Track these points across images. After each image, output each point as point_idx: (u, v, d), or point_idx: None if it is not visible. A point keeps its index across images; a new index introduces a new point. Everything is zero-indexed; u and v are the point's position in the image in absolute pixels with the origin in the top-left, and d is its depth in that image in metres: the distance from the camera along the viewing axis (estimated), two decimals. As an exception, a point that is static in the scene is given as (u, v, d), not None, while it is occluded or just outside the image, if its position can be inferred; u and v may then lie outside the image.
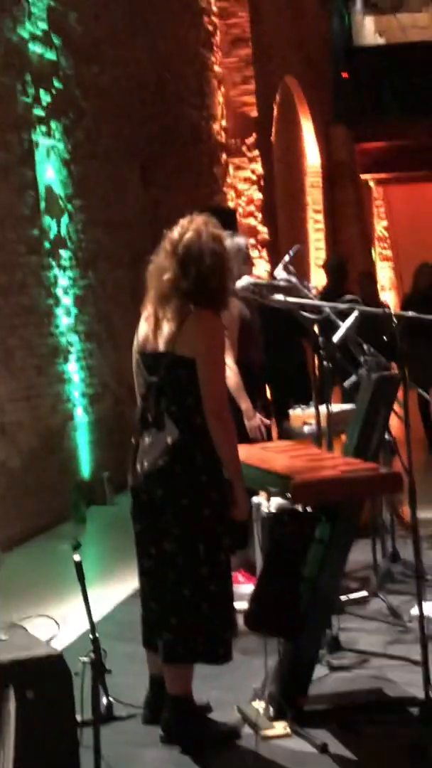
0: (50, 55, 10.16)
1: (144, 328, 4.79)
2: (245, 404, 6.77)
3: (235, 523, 4.80)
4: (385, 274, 25.29)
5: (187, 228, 4.75)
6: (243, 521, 5.79)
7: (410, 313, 4.57)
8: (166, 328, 4.66)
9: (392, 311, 4.77)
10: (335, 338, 5.10)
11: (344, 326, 5.11)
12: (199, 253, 4.66)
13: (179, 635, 4.66)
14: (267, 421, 6.84)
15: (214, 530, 4.65)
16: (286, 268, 6.36)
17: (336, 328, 5.78)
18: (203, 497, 4.62)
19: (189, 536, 4.63)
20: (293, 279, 6.23)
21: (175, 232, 4.76)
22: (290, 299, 5.64)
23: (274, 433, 7.50)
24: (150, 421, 4.72)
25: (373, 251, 23.76)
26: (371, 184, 25.00)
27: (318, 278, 18.38)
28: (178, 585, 4.65)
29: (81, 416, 10.34)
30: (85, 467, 10.34)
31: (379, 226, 25.80)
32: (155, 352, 4.70)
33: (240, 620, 4.81)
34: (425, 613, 4.74)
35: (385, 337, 5.35)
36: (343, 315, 5.64)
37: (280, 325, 7.45)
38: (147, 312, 4.80)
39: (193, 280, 4.65)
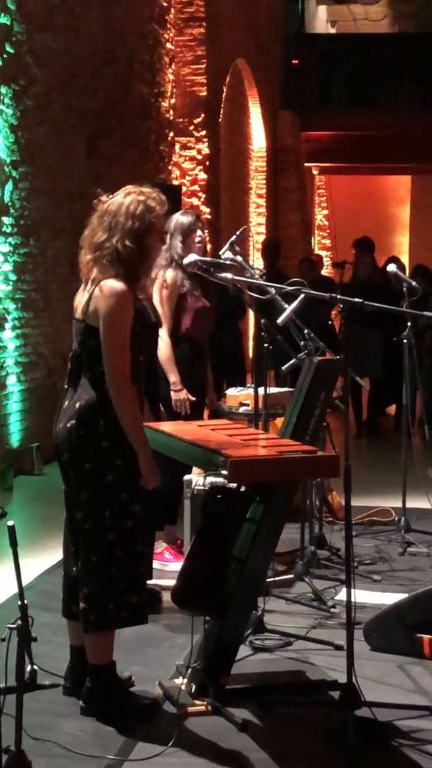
0: (3, 20, 10.03)
1: (78, 293, 4.82)
2: (173, 377, 6.76)
3: (147, 492, 4.78)
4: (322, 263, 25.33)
5: (117, 195, 4.78)
6: (165, 494, 5.78)
7: (357, 300, 4.55)
8: (83, 296, 4.72)
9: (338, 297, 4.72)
10: (279, 320, 5.08)
11: (289, 309, 5.09)
12: (118, 221, 4.67)
13: (92, 604, 4.68)
14: (192, 398, 6.81)
15: (119, 497, 4.66)
16: (232, 249, 6.36)
17: (277, 310, 5.78)
18: (106, 463, 4.64)
19: (94, 502, 4.65)
20: (239, 259, 6.23)
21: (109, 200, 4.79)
22: (237, 278, 5.62)
23: (205, 413, 7.47)
24: (70, 386, 4.77)
25: (312, 240, 23.81)
26: (314, 172, 25.05)
27: (257, 262, 18.37)
28: (87, 551, 4.68)
29: (13, 384, 10.26)
30: (15, 436, 10.27)
31: (320, 215, 25.86)
32: (78, 319, 4.75)
33: (166, 596, 4.80)
34: (352, 599, 4.75)
35: (330, 323, 5.36)
36: (285, 297, 5.64)
37: (217, 305, 7.42)
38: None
39: (112, 247, 4.65)
